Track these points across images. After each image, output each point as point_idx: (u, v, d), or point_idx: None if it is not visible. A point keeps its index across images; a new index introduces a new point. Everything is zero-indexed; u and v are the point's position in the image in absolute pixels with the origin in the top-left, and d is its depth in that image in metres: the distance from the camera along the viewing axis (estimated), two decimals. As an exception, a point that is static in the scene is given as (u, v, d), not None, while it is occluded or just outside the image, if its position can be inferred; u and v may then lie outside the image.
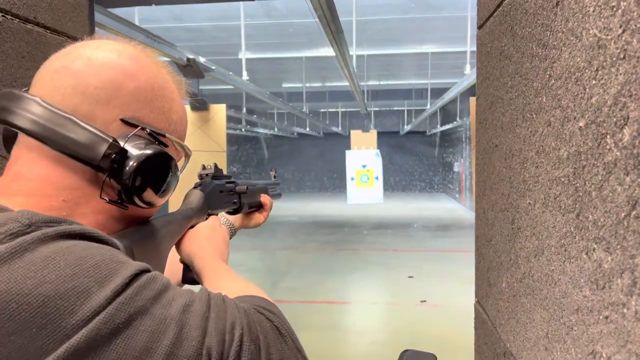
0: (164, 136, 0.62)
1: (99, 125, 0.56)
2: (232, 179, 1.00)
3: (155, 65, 0.64)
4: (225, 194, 0.96)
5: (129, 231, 0.62)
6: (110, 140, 0.55)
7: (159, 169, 0.60)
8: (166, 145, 0.62)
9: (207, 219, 0.88)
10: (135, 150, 0.57)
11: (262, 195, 1.10)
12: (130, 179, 0.56)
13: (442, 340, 4.21)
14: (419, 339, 4.32)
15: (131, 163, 0.56)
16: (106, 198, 0.57)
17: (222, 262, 0.78)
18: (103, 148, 0.55)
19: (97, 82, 0.57)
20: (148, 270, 0.49)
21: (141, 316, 0.44)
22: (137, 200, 0.58)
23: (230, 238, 0.99)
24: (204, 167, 0.94)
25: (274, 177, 1.28)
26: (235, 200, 0.99)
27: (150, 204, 0.61)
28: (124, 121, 0.58)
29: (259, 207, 1.10)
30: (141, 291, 0.46)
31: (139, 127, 0.58)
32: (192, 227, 0.84)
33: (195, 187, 0.89)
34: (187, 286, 0.81)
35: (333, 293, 5.86)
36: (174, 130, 0.65)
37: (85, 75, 0.57)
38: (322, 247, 8.77)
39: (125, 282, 0.45)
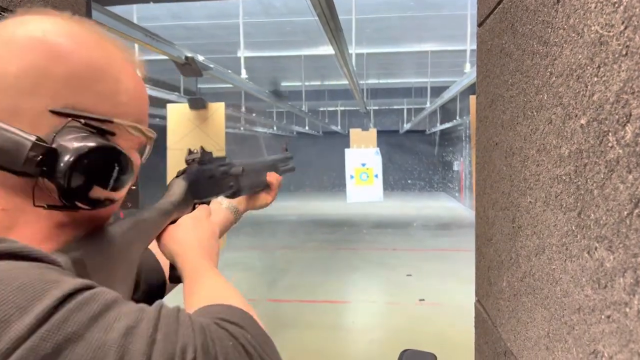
0: (111, 122, 0.54)
1: (27, 121, 0.48)
2: (227, 161, 0.91)
3: (96, 40, 0.55)
4: (218, 179, 0.87)
5: (80, 241, 0.54)
6: (33, 140, 0.47)
7: (100, 163, 0.52)
8: (113, 133, 0.54)
9: (194, 209, 0.80)
10: (69, 145, 0.49)
11: (269, 173, 1.02)
12: (65, 179, 0.49)
13: (442, 339, 4.22)
14: (418, 338, 4.32)
15: (63, 162, 0.49)
16: (44, 205, 0.50)
17: (206, 259, 0.70)
18: (24, 150, 0.47)
19: (17, 69, 0.48)
20: (87, 288, 0.42)
21: (72, 344, 0.38)
22: (80, 202, 0.51)
23: (234, 222, 0.92)
24: (190, 152, 0.85)
25: (286, 150, 1.19)
26: (232, 184, 0.91)
27: (100, 203, 0.53)
28: (54, 112, 0.49)
29: (265, 186, 1.01)
30: (73, 314, 0.39)
31: (70, 119, 0.50)
32: (175, 221, 0.76)
33: (177, 176, 0.81)
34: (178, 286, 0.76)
35: (333, 292, 5.86)
36: (124, 114, 0.56)
37: (3, 62, 0.48)
38: (322, 246, 8.77)
39: (54, 304, 0.39)
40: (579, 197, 0.59)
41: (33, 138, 0.48)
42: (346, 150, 9.53)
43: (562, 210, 0.64)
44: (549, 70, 0.67)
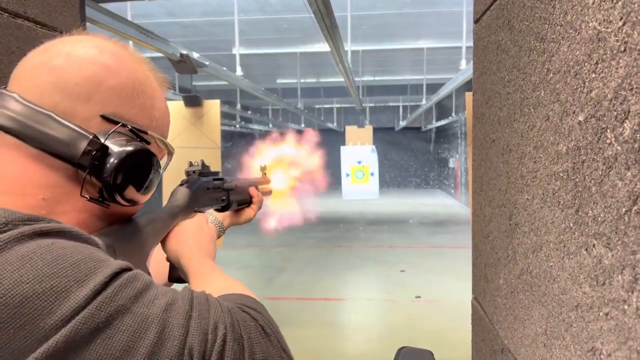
0: (146, 133, 0.61)
1: (79, 122, 0.55)
2: (220, 176, 0.99)
3: (136, 61, 0.63)
4: (213, 191, 0.95)
5: (111, 229, 0.61)
6: (91, 137, 0.55)
7: (140, 166, 0.59)
8: (148, 143, 0.62)
9: (193, 216, 0.87)
10: (116, 147, 0.56)
11: (251, 189, 1.10)
12: (112, 176, 0.56)
13: (439, 337, 4.23)
14: (415, 335, 4.33)
15: (112, 160, 0.56)
16: (87, 196, 0.56)
17: (209, 259, 0.77)
18: (83, 145, 0.54)
19: (77, 78, 0.56)
20: (129, 269, 0.48)
21: (122, 315, 0.44)
22: (118, 198, 0.58)
23: (219, 237, 0.98)
24: (190, 164, 0.93)
25: (264, 174, 1.26)
26: (224, 198, 0.98)
27: (132, 202, 0.60)
28: (104, 118, 0.57)
29: (249, 202, 1.09)
30: (122, 290, 0.45)
31: (120, 124, 0.58)
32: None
33: (181, 185, 0.88)
34: (174, 285, 0.81)
35: (329, 290, 5.86)
36: (156, 127, 0.65)
37: (65, 71, 0.56)
38: (318, 244, 8.77)
39: (106, 280, 0.44)
40: (576, 194, 0.59)
41: (91, 135, 0.55)
42: (342, 147, 9.53)
43: (559, 207, 0.64)
44: (547, 66, 0.67)
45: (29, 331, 0.40)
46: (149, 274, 0.75)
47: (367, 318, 4.90)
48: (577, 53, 0.58)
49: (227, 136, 16.51)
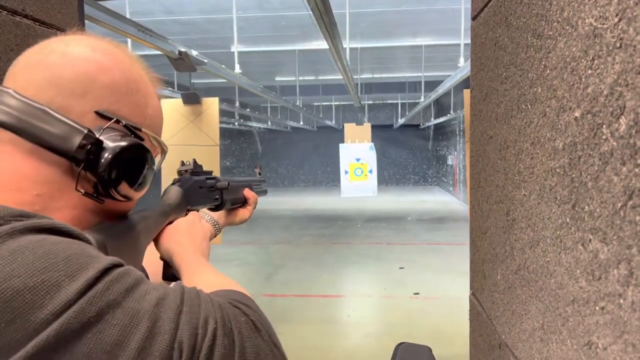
0: (139, 130, 0.62)
1: (73, 118, 0.56)
2: (213, 175, 1.00)
3: (130, 60, 0.64)
4: (206, 190, 0.95)
5: (102, 226, 0.61)
6: (86, 131, 0.56)
7: (135, 162, 0.60)
8: (142, 139, 0.62)
9: (186, 214, 0.88)
10: (110, 142, 0.57)
11: (245, 189, 1.10)
12: (106, 170, 0.57)
13: (437, 333, 4.24)
14: (413, 331, 4.34)
15: (107, 155, 0.57)
16: (82, 190, 0.57)
17: (201, 257, 0.77)
18: (78, 139, 0.55)
19: (72, 75, 0.57)
20: (120, 265, 0.49)
21: (113, 310, 0.44)
22: (113, 193, 0.59)
23: (215, 235, 0.99)
24: (182, 163, 0.94)
25: (259, 174, 1.27)
26: (217, 197, 0.99)
27: (126, 197, 0.61)
28: (98, 114, 0.58)
29: (243, 203, 1.10)
30: (113, 285, 0.45)
31: (114, 119, 0.59)
32: (170, 223, 0.83)
33: (173, 184, 0.89)
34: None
35: (327, 286, 5.87)
36: (149, 125, 0.65)
37: (60, 68, 0.57)
38: (317, 241, 8.78)
39: (97, 275, 0.45)
40: (573, 189, 0.59)
41: (86, 130, 0.56)
42: (340, 145, 9.53)
43: (556, 203, 0.64)
44: (543, 63, 0.67)
45: (19, 325, 0.40)
46: (143, 271, 0.75)
47: (366, 314, 4.91)
48: (574, 49, 0.58)
49: (225, 134, 16.50)
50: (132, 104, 0.62)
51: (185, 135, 4.48)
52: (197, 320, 0.48)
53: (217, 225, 1.01)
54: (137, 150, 0.60)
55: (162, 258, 0.81)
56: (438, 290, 5.51)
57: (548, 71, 0.66)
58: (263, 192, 1.23)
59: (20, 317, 0.40)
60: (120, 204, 0.63)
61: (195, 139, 4.42)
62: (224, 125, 13.77)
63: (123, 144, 0.58)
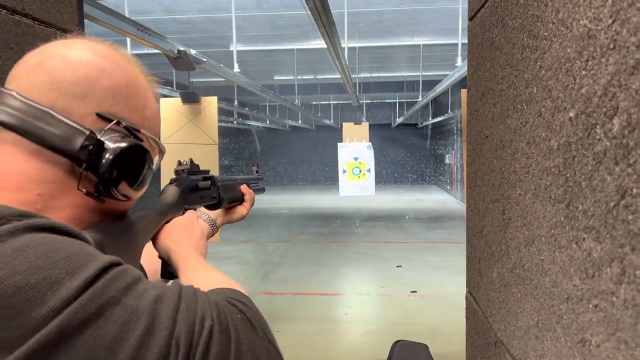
0: (139, 131, 0.64)
1: (75, 120, 0.57)
2: (210, 175, 1.00)
3: (129, 63, 0.66)
4: (203, 189, 0.96)
5: (100, 226, 0.62)
6: (88, 133, 0.57)
7: (135, 162, 0.62)
8: (141, 140, 0.64)
9: (183, 214, 0.89)
10: (111, 143, 0.59)
11: (242, 186, 1.11)
12: (108, 170, 0.58)
13: (434, 330, 4.25)
14: (411, 329, 4.35)
15: (108, 155, 0.58)
16: (83, 190, 0.58)
17: (199, 255, 0.79)
18: (80, 140, 0.56)
19: (73, 78, 0.58)
20: (119, 263, 0.50)
21: (112, 307, 0.45)
22: (114, 192, 0.60)
23: (212, 234, 1.00)
24: (179, 163, 0.95)
25: (256, 172, 1.28)
26: (214, 195, 1.00)
27: (126, 197, 0.62)
28: (99, 115, 0.59)
29: (241, 200, 1.11)
30: (112, 282, 0.46)
31: (115, 121, 0.60)
32: (168, 222, 0.84)
33: (170, 183, 0.90)
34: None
35: (325, 285, 5.87)
36: (148, 126, 0.67)
37: (61, 71, 0.58)
38: (315, 239, 8.78)
39: (97, 273, 0.46)
40: (567, 188, 0.59)
41: (88, 131, 0.57)
42: (339, 144, 9.52)
43: (551, 202, 0.64)
44: (539, 63, 0.68)
45: (21, 321, 0.41)
46: (141, 269, 0.77)
47: (364, 312, 4.91)
48: (569, 50, 0.59)
49: (224, 132, 16.49)
50: (131, 106, 0.64)
51: (184, 134, 4.48)
52: (194, 317, 0.49)
53: (214, 224, 1.02)
54: (137, 151, 0.61)
55: (160, 256, 0.82)
56: (435, 288, 5.52)
57: (543, 72, 0.66)
58: (261, 190, 1.24)
59: (21, 313, 0.41)
60: (120, 203, 0.64)
61: (194, 138, 4.43)
62: (223, 124, 13.76)
63: (123, 144, 0.59)
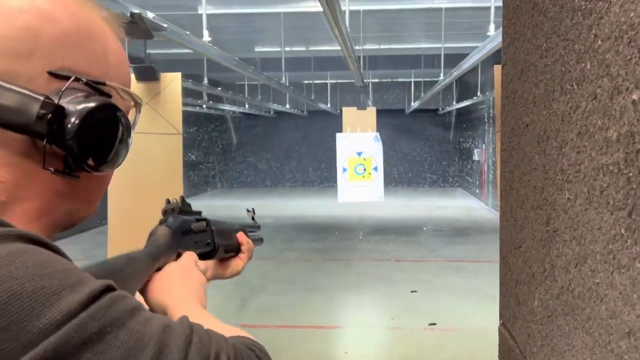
0: (104, 84, 0.64)
1: (23, 83, 0.57)
2: (203, 216, 1.03)
3: (79, 4, 0.65)
4: (196, 232, 0.99)
5: (91, 268, 0.64)
6: (42, 99, 0.57)
7: (106, 124, 0.62)
8: (110, 95, 0.64)
9: (177, 259, 0.91)
10: (73, 106, 0.59)
11: (239, 233, 1.14)
12: (74, 139, 0.58)
13: (458, 374, 4.26)
14: (428, 373, 4.36)
15: (72, 120, 0.58)
16: (51, 169, 0.59)
17: (202, 308, 0.82)
18: (35, 109, 0.56)
19: (10, 32, 0.57)
20: (117, 289, 0.53)
21: (116, 329, 0.48)
22: (88, 164, 0.61)
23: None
24: (168, 202, 0.98)
25: (252, 218, 1.33)
26: (209, 241, 1.03)
27: (103, 168, 0.63)
28: (52, 74, 0.59)
29: (237, 251, 1.13)
30: (117, 302, 0.50)
31: (72, 78, 0.60)
32: (158, 269, 0.87)
33: (160, 224, 0.93)
34: None
35: (319, 315, 5.88)
36: (114, 76, 0.67)
37: None
38: (305, 256, 8.79)
39: (101, 289, 0.49)
40: (629, 192, 0.59)
41: (42, 97, 0.57)
42: (337, 135, 9.54)
43: (608, 210, 0.64)
44: (594, 31, 0.68)
45: (13, 334, 0.43)
46: None
47: (369, 350, 4.92)
48: (632, 14, 0.58)
49: (190, 119, 16.48)
50: (89, 54, 0.63)
51: (138, 121, 4.46)
52: (208, 353, 0.53)
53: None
54: (106, 109, 0.62)
55: (152, 310, 0.83)
56: (459, 320, 5.54)
57: (599, 42, 0.66)
58: (259, 241, 1.26)
59: (15, 324, 0.43)
60: (95, 184, 0.66)
61: (151, 126, 4.41)
62: (189, 109, 13.75)
63: (89, 105, 0.59)
